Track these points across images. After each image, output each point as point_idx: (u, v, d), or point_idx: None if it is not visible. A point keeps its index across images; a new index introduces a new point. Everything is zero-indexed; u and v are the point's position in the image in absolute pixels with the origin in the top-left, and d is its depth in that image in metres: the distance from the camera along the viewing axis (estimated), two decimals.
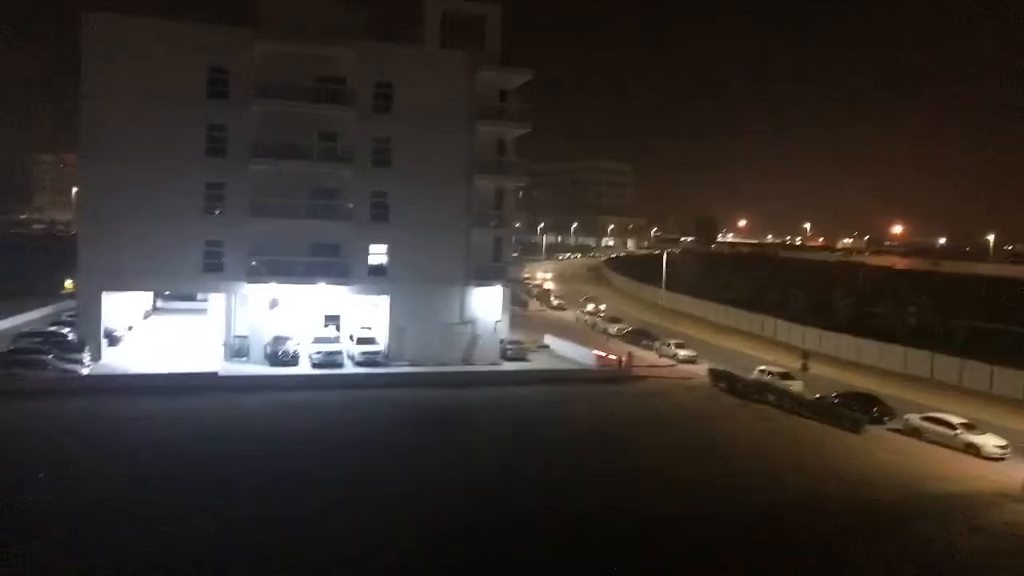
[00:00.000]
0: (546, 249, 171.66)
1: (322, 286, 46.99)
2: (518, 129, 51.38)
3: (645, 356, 57.37)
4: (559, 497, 27.32)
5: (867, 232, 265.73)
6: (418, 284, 48.75)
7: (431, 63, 49.02)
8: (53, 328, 48.74)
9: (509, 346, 51.63)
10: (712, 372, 49.50)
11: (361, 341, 47.38)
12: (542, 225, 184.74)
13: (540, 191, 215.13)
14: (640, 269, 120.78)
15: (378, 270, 48.79)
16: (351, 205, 47.53)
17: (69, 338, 44.77)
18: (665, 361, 56.47)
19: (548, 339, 58.65)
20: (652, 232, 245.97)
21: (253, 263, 45.56)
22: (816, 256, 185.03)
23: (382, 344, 48.00)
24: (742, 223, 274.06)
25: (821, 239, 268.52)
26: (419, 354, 48.13)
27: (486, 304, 50.74)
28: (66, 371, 40.12)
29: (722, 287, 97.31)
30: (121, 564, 20.33)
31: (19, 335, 47.76)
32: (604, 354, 52.47)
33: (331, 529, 23.38)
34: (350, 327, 49.09)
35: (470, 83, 49.58)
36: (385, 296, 48.93)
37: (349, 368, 45.42)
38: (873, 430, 39.53)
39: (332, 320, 49.32)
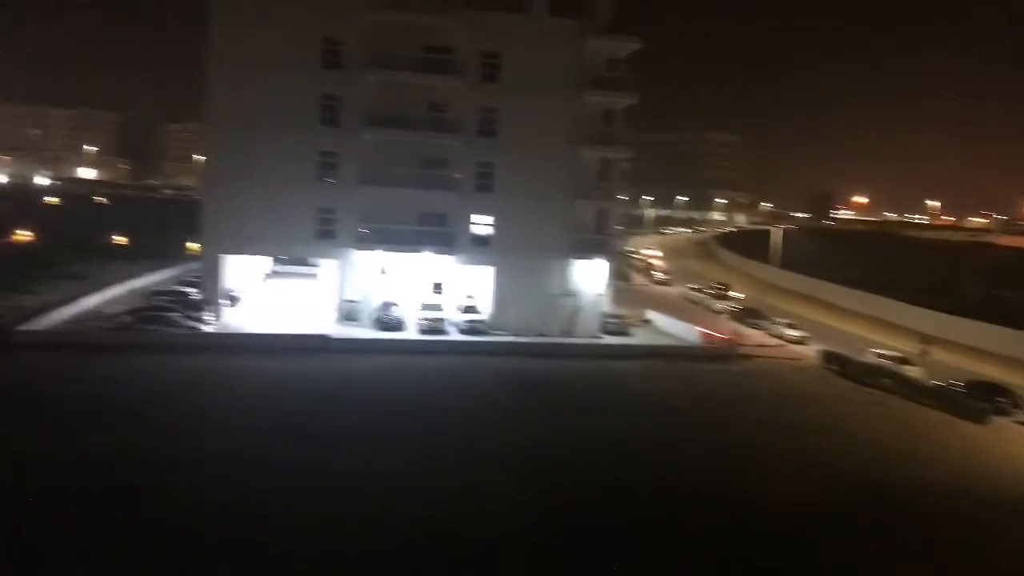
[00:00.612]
0: (651, 223, 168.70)
1: (428, 254, 47.91)
2: (626, 99, 50.42)
3: (753, 335, 55.77)
4: (655, 470, 27.08)
5: (1000, 212, 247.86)
6: (521, 255, 48.95)
7: (539, 32, 48.63)
8: (180, 288, 51.86)
9: (611, 320, 51.24)
10: (823, 354, 47.60)
11: (465, 310, 48.16)
12: (647, 198, 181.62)
13: (646, 163, 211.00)
14: (749, 245, 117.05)
15: (482, 240, 49.30)
16: (457, 175, 48.08)
17: (194, 298, 47.50)
18: (774, 341, 54.70)
19: (651, 314, 57.86)
20: (762, 207, 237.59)
21: (363, 230, 46.91)
22: (941, 236, 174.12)
23: (485, 313, 48.62)
24: (859, 199, 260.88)
25: (948, 218, 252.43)
26: (520, 324, 48.47)
27: (588, 277, 50.46)
28: (191, 328, 42.68)
29: (836, 266, 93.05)
30: (237, 512, 21.61)
31: (150, 293, 51.18)
32: (709, 331, 51.30)
33: (432, 488, 24.05)
34: (454, 295, 49.93)
35: (578, 52, 48.94)
36: (489, 266, 49.43)
37: (453, 335, 46.30)
38: (1000, 422, 37.11)
39: (437, 288, 50.28)
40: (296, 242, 48.47)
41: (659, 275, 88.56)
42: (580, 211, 49.94)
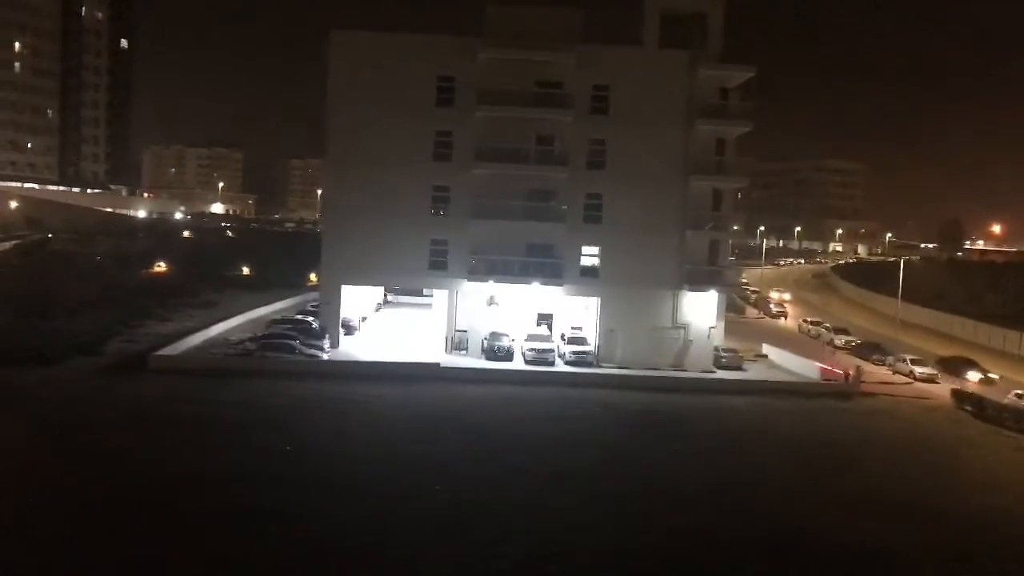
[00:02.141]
0: (766, 253, 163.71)
1: (536, 285, 48.16)
2: (739, 128, 49.43)
3: (876, 372, 52.79)
4: (772, 517, 25.86)
5: None
6: (630, 286, 48.44)
7: (649, 64, 48.52)
8: (300, 316, 54.20)
9: (724, 354, 49.77)
10: (956, 393, 44.46)
11: (572, 341, 47.98)
12: (762, 228, 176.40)
13: (761, 192, 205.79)
14: (871, 277, 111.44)
15: (590, 271, 49.15)
16: (565, 207, 48.29)
17: (313, 326, 49.50)
18: (899, 379, 51.57)
19: (766, 348, 55.83)
20: (887, 237, 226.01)
21: (473, 261, 47.73)
22: None
23: (592, 345, 48.28)
24: (996, 228, 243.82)
25: None
26: (629, 357, 47.80)
27: (700, 309, 49.30)
28: (310, 356, 44.42)
29: (970, 299, 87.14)
30: (341, 536, 22.10)
31: (272, 321, 53.76)
32: (829, 367, 48.95)
33: (537, 521, 23.85)
34: (562, 326, 49.84)
35: (689, 82, 48.45)
36: (596, 297, 49.16)
37: (560, 366, 46.16)
38: None
39: (545, 319, 50.38)
40: (409, 273, 49.83)
41: (774, 308, 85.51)
42: (691, 242, 49.05)
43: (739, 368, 49.48)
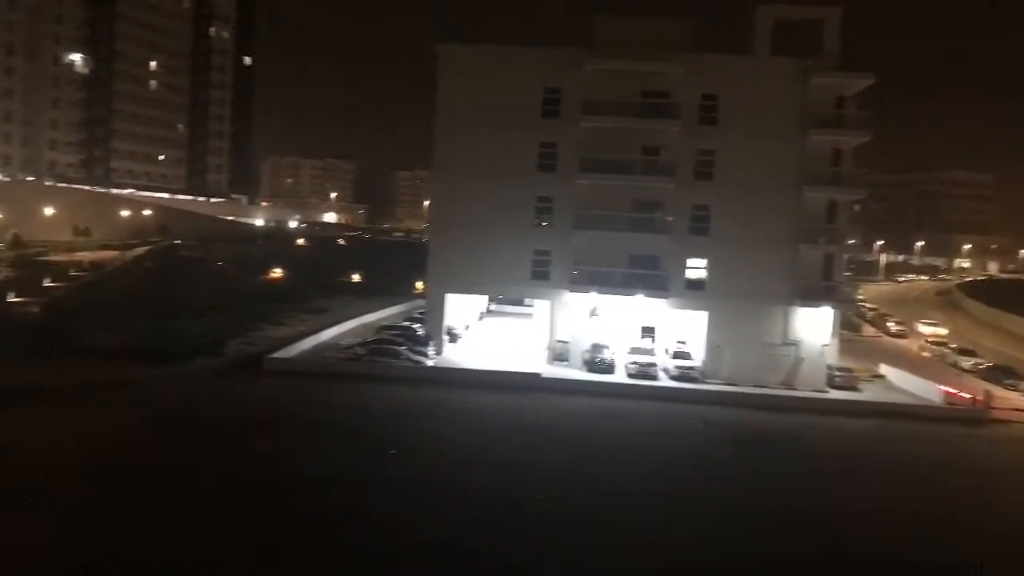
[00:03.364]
0: (885, 269, 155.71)
1: (639, 298, 47.50)
2: (856, 138, 47.35)
3: (1009, 397, 49.17)
4: (894, 552, 24.39)
5: None
6: (738, 301, 47.07)
7: (761, 72, 47.22)
8: (406, 323, 55.50)
9: (837, 373, 47.55)
10: None
11: (676, 355, 47.04)
12: (880, 242, 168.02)
13: (880, 204, 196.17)
14: (1003, 295, 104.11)
15: (696, 284, 48.08)
16: (670, 218, 47.48)
17: (419, 333, 50.56)
18: None
19: (884, 369, 52.97)
20: (1021, 254, 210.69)
21: (575, 272, 47.59)
22: None
23: (697, 360, 47.17)
24: None
25: None
26: (736, 373, 46.41)
27: (812, 326, 47.34)
28: (415, 362, 45.40)
29: None
30: (441, 540, 22.34)
31: (380, 327, 55.28)
32: (954, 391, 45.94)
33: (635, 537, 23.39)
34: (665, 340, 48.95)
35: (803, 90, 46.82)
36: (703, 311, 48.03)
37: (663, 381, 45.32)
38: None
39: (648, 332, 49.61)
40: (512, 283, 50.18)
41: (893, 326, 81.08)
42: (804, 256, 47.22)
43: (854, 388, 47.14)
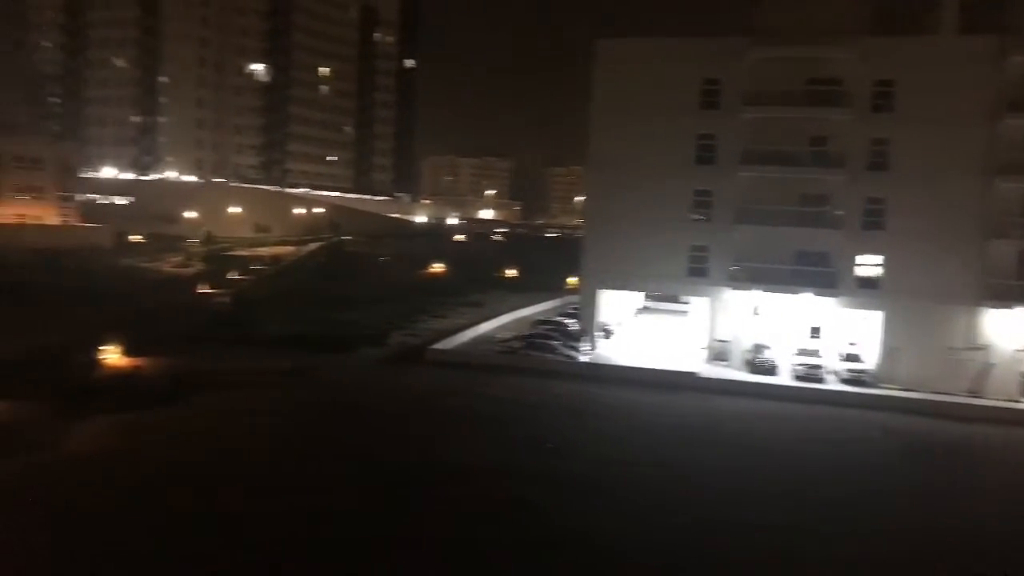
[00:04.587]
0: None
1: (805, 296, 45.20)
2: None
3: None
4: None
5: None
6: (916, 300, 43.69)
7: (946, 53, 43.48)
8: (561, 318, 55.88)
9: None
10: None
11: (847, 357, 44.36)
12: None
13: None
14: None
15: (869, 282, 45.09)
16: (840, 212, 44.81)
17: (573, 329, 50.77)
18: None
19: None
20: None
21: (735, 269, 46.00)
22: None
23: (870, 363, 44.27)
24: None
25: None
26: (913, 378, 43.09)
27: (1005, 329, 43.12)
28: (569, 357, 45.64)
29: None
30: (602, 536, 22.28)
31: (535, 322, 56.05)
32: None
33: (798, 547, 22.31)
34: (834, 341, 46.28)
35: (996, 72, 42.63)
36: (876, 311, 44.99)
37: (831, 384, 42.90)
38: None
39: (815, 332, 47.12)
40: (668, 279, 49.27)
41: None
42: (995, 252, 43.09)
43: None
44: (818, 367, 43.42)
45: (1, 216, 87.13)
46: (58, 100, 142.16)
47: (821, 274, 44.78)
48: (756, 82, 45.04)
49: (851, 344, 45.61)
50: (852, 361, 44.05)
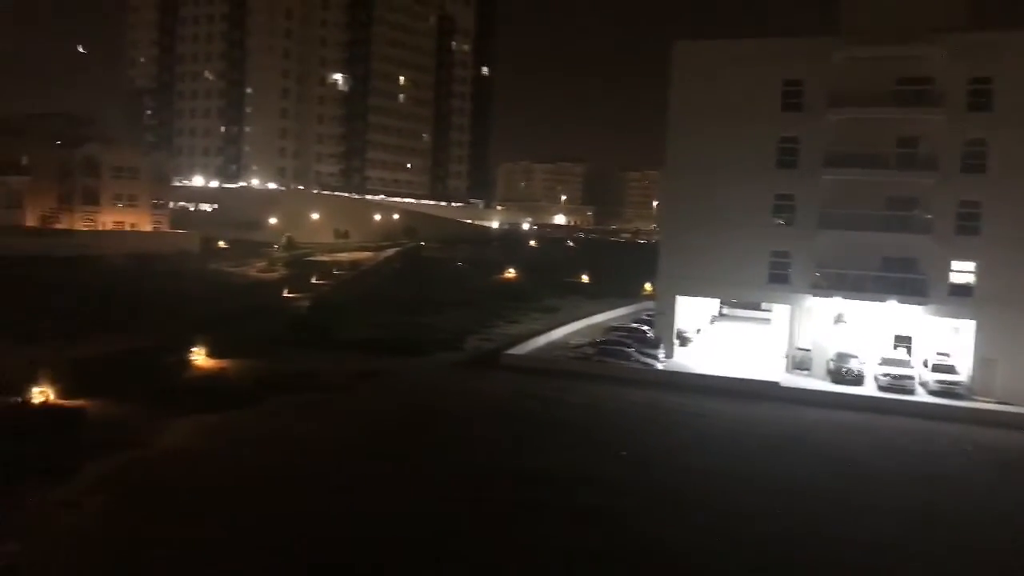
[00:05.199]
0: None
1: (892, 304, 43.45)
2: None
3: None
4: None
5: None
6: (1016, 308, 41.43)
7: None
8: (635, 325, 55.30)
9: None
10: None
11: (937, 368, 42.38)
12: None
13: None
14: None
15: (962, 290, 42.99)
16: (930, 216, 42.93)
17: (648, 335, 50.16)
18: None
19: None
20: None
21: (818, 275, 44.62)
22: None
23: (963, 374, 42.20)
24: None
25: None
26: (1009, 390, 40.84)
27: None
28: (645, 364, 45.08)
29: None
30: (679, 548, 21.89)
31: (609, 328, 55.63)
32: None
33: (886, 563, 21.41)
34: (923, 351, 44.34)
35: None
36: (970, 320, 42.87)
37: (920, 396, 41.08)
38: None
39: (902, 341, 45.26)
40: (748, 286, 48.13)
41: None
42: None
43: None
44: (906, 378, 41.64)
45: (101, 223, 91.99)
46: (152, 112, 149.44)
47: (909, 281, 42.96)
48: (841, 83, 43.63)
49: (941, 354, 43.59)
50: (943, 372, 42.06)
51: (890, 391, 41.09)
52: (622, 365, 44.59)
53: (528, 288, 77.18)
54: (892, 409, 38.99)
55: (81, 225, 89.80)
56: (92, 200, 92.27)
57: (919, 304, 43.05)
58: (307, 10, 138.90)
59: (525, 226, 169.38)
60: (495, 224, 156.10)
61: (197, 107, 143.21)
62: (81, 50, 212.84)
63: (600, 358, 45.74)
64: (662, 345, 47.77)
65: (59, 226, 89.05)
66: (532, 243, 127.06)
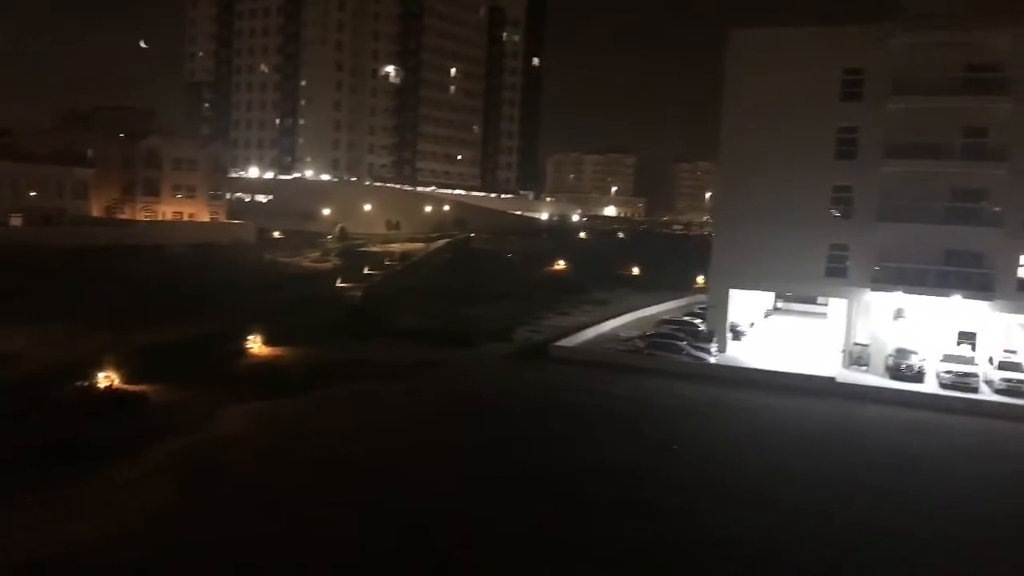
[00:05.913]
0: None
1: (955, 299, 42.09)
2: None
3: None
4: None
5: None
6: None
7: None
8: (687, 318, 54.65)
9: None
10: None
11: (1004, 366, 40.93)
12: None
13: None
14: None
15: None
16: (999, 208, 41.41)
17: (700, 329, 49.54)
18: None
19: None
20: None
21: (877, 269, 43.46)
22: None
23: None
24: None
25: None
26: None
27: None
28: (696, 358, 44.55)
29: None
30: (731, 541, 21.64)
31: (660, 321, 55.11)
32: None
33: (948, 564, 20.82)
34: (989, 348, 42.87)
35: None
36: None
37: (985, 395, 39.76)
38: None
39: (966, 338, 43.84)
40: (803, 280, 47.13)
41: None
42: None
43: None
44: (970, 375, 40.32)
45: (161, 213, 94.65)
46: (209, 105, 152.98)
47: (974, 275, 41.55)
48: (903, 70, 42.30)
49: (1008, 351, 42.10)
50: (1010, 370, 40.61)
51: (953, 388, 39.84)
52: (673, 359, 44.15)
53: (578, 280, 76.87)
54: (956, 408, 37.81)
55: (142, 215, 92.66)
56: (153, 191, 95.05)
57: (985, 300, 41.61)
58: (359, 2, 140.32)
59: (575, 218, 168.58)
60: (544, 216, 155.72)
61: (253, 100, 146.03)
62: (143, 45, 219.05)
63: (651, 351, 45.37)
64: (715, 339, 47.13)
65: (122, 216, 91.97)
66: (582, 235, 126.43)
